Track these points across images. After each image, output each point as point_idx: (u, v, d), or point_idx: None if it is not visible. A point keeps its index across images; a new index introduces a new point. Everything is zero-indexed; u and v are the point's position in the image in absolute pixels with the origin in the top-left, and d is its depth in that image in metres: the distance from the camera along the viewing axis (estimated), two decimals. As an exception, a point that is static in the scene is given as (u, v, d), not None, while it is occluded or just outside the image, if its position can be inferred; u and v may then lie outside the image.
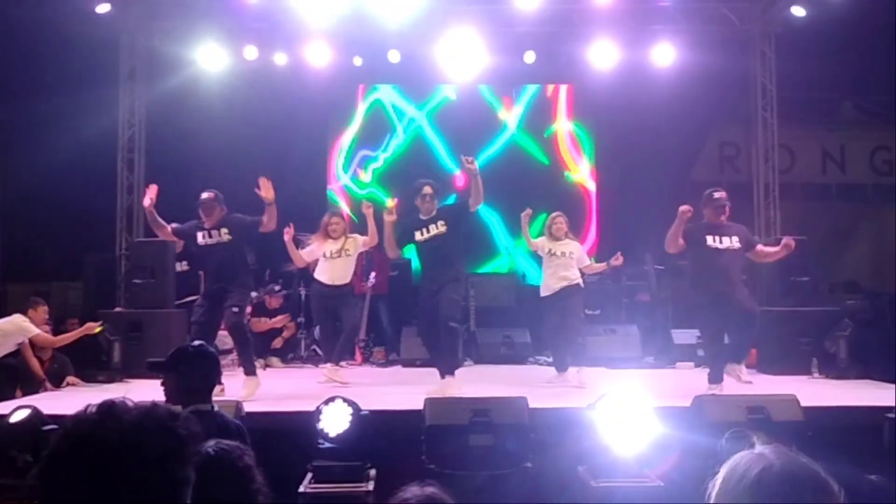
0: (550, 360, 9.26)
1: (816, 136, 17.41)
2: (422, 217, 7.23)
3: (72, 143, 11.51)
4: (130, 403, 1.41)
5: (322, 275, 8.08)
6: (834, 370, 8.27)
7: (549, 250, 8.02)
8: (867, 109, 17.55)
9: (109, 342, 8.24)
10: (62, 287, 14.04)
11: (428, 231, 7.13)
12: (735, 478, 1.50)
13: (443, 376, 7.00)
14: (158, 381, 7.62)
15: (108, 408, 1.37)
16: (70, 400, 6.76)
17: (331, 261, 8.05)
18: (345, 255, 8.07)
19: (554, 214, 8.30)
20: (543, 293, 8.08)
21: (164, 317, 8.81)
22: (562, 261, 8.00)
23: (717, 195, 7.07)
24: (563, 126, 12.99)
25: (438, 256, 7.12)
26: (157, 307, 8.83)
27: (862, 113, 17.67)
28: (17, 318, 7.61)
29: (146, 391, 6.52)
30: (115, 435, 1.33)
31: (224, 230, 7.09)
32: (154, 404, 1.43)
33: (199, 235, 7.14)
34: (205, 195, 7.15)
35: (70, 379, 7.95)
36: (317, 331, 8.39)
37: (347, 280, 8.13)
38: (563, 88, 12.99)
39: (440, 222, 7.13)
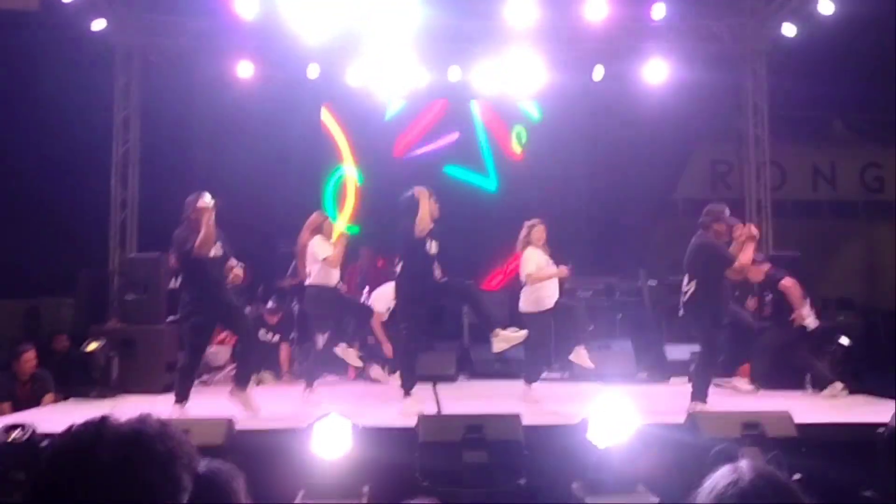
0: (546, 376, 9.27)
1: (807, 153, 17.55)
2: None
3: (64, 158, 11.53)
4: (119, 417, 1.38)
5: (329, 279, 7.61)
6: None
7: (548, 261, 7.73)
8: (857, 127, 17.70)
9: (108, 358, 8.19)
10: (54, 303, 13.99)
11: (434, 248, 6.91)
12: (706, 491, 1.54)
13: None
14: (153, 397, 7.59)
15: (99, 423, 1.34)
16: (65, 415, 6.71)
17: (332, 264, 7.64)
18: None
19: (534, 222, 7.88)
20: (544, 306, 7.67)
21: (156, 333, 8.76)
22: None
23: (728, 211, 7.05)
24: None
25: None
26: (149, 323, 8.78)
27: (852, 131, 17.82)
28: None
29: (141, 407, 6.48)
30: (113, 449, 1.29)
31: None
32: (145, 415, 1.40)
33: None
34: None
35: (47, 398, 7.88)
36: (321, 341, 7.58)
37: None
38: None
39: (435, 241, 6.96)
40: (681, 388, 8.99)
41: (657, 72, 11.44)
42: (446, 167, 12.88)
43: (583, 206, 12.58)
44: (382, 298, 8.89)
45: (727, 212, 7.05)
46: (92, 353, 8.25)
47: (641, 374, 9.73)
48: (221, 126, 11.57)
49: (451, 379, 9.42)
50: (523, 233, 7.86)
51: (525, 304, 7.78)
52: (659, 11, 10.95)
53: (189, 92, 11.59)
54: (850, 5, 10.04)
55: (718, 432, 5.35)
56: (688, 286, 6.89)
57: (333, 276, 7.65)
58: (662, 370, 9.59)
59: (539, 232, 7.80)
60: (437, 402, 7.45)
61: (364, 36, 10.94)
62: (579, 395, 7.87)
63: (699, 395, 6.81)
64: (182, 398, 6.56)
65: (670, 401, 7.74)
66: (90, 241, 11.93)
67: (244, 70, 11.54)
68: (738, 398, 7.18)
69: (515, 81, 11.71)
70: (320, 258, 7.50)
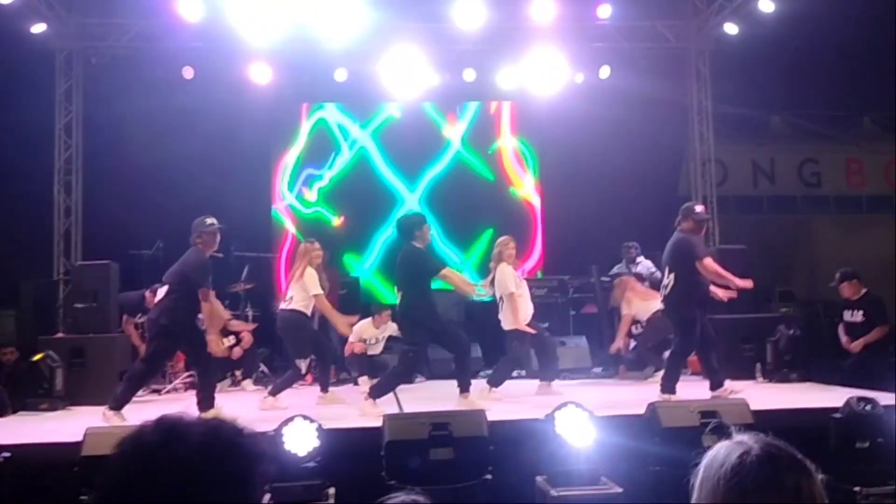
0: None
1: (747, 150, 17.99)
2: None
3: (2, 166, 11.21)
4: (190, 419, 1.29)
5: (309, 308, 7.79)
6: (776, 374, 8.51)
7: (518, 276, 8.04)
8: (795, 124, 18.21)
9: (52, 369, 7.97)
10: (-8, 316, 13.61)
11: None
12: (716, 465, 1.52)
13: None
14: (102, 408, 7.45)
15: (169, 427, 1.26)
16: (20, 428, 6.56)
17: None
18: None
19: (507, 239, 8.17)
20: (522, 323, 7.85)
21: (107, 341, 8.58)
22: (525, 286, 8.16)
23: (698, 209, 7.27)
24: (507, 142, 13.18)
25: None
26: (100, 332, 8.59)
27: (790, 127, 18.32)
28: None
29: (90, 419, 6.36)
30: (181, 458, 1.21)
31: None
32: (219, 421, 1.31)
33: None
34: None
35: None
36: (304, 366, 7.77)
37: None
38: (506, 105, 13.16)
39: None
40: (636, 382, 9.18)
41: (604, 72, 11.64)
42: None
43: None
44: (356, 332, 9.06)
45: (698, 208, 7.31)
46: (37, 364, 8.05)
47: (596, 369, 9.89)
48: (167, 129, 11.35)
49: (408, 380, 9.41)
50: (496, 250, 8.11)
51: (507, 322, 7.93)
52: (605, 11, 11.12)
53: (133, 95, 11.36)
54: (789, 4, 10.33)
55: (677, 421, 5.45)
56: (667, 280, 7.06)
57: (311, 307, 7.80)
58: (616, 365, 9.74)
59: (510, 249, 8.06)
60: (399, 403, 7.45)
61: (313, 36, 10.87)
62: (538, 390, 7.95)
63: (668, 386, 6.94)
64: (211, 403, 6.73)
65: (626, 393, 7.89)
66: (31, 251, 11.61)
67: (189, 72, 11.38)
68: (694, 388, 7.32)
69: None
70: (311, 293, 7.59)
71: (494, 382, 7.88)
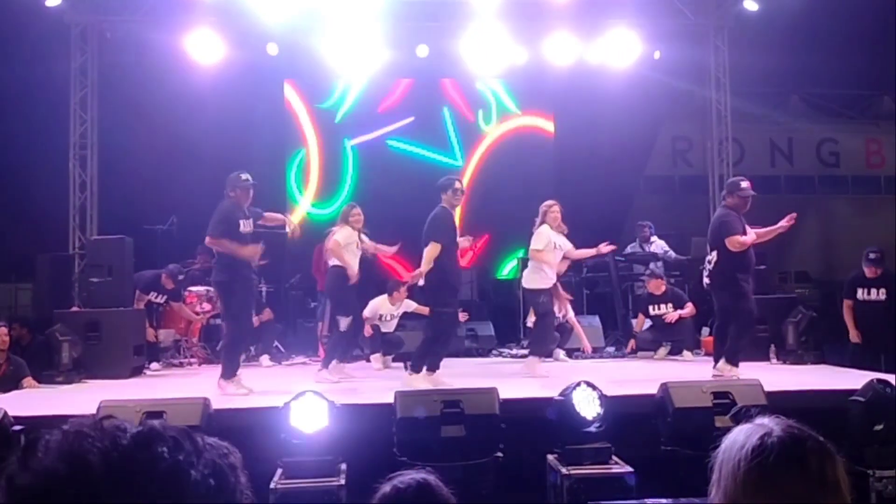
0: (516, 352, 9.39)
1: (765, 129, 17.80)
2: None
3: (19, 140, 11.25)
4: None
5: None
6: (791, 356, 8.46)
7: (555, 245, 7.91)
8: (813, 103, 17.99)
9: (59, 342, 8.02)
10: (9, 289, 13.73)
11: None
12: (736, 447, 1.51)
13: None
14: (117, 382, 7.48)
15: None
16: (32, 401, 6.62)
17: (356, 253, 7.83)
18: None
19: (551, 203, 8.15)
20: (542, 284, 7.90)
21: (122, 315, 8.64)
22: (559, 253, 8.01)
23: (744, 185, 7.17)
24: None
25: None
26: (115, 306, 8.64)
27: (809, 106, 18.11)
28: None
29: (104, 392, 6.41)
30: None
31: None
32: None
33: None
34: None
35: (26, 381, 7.74)
36: (345, 323, 7.70)
37: None
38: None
39: None
40: (648, 362, 9.16)
41: (620, 48, 11.49)
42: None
43: (552, 186, 12.59)
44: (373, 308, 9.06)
45: (743, 183, 7.22)
46: (49, 338, 8.12)
47: (608, 348, 9.88)
48: (182, 104, 11.33)
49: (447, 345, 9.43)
50: (540, 213, 8.07)
51: (528, 281, 8.03)
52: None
53: (147, 70, 11.34)
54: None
55: (690, 402, 5.44)
56: (710, 256, 7.09)
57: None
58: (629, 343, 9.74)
59: (554, 212, 8.00)
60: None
61: (326, 14, 10.81)
62: (550, 370, 7.94)
63: (733, 359, 6.95)
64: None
65: (639, 373, 7.88)
66: (47, 225, 11.68)
67: (203, 47, 11.34)
68: (706, 368, 7.31)
69: (482, 60, 11.65)
70: (342, 244, 7.66)
71: (537, 352, 7.92)
